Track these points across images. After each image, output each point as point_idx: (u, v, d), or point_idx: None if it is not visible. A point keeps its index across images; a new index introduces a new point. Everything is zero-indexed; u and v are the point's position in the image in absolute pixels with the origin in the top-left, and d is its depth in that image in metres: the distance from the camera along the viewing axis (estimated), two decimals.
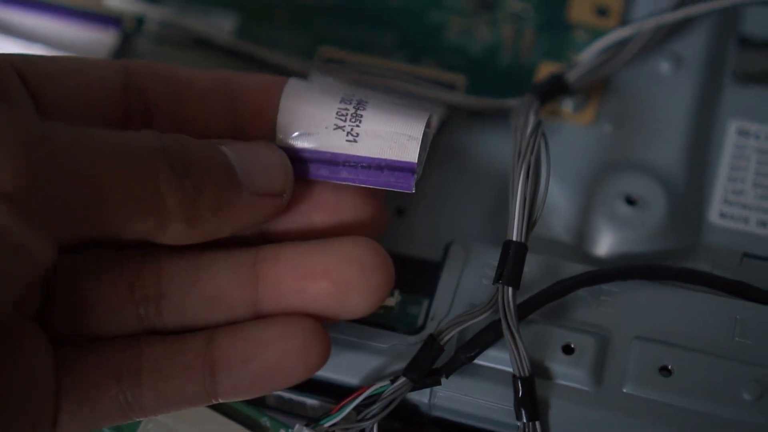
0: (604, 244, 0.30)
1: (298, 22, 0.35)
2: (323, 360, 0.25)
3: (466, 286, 0.28)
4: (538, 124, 0.28)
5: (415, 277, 0.29)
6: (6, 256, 0.20)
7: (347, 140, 0.26)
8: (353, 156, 0.26)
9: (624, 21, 0.33)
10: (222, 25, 0.34)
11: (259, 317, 0.25)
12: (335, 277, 0.25)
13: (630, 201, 0.30)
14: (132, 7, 0.34)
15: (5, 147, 0.20)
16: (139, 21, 0.34)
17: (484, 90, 0.33)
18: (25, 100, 0.24)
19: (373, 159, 0.26)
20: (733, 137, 0.31)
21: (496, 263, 0.27)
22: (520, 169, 0.27)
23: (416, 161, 0.26)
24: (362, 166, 0.26)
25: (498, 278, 0.26)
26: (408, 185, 0.26)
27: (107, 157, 0.22)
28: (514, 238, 0.27)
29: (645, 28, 0.31)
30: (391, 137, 0.26)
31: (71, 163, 0.21)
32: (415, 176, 0.26)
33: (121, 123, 0.26)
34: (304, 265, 0.25)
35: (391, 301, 0.29)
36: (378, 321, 0.28)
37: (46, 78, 0.25)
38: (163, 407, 0.24)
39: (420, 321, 0.28)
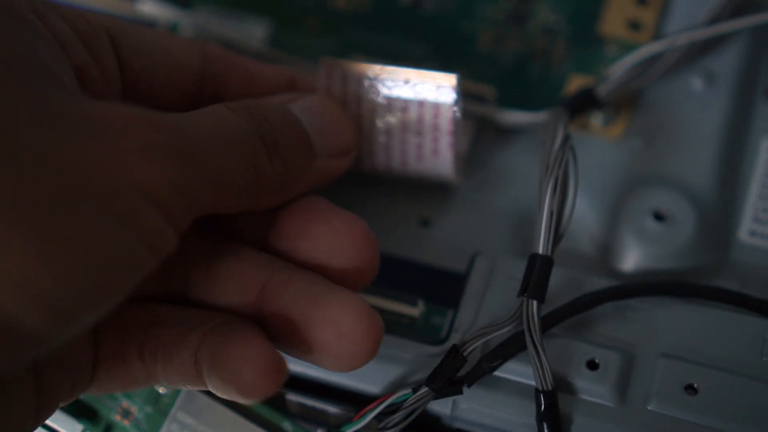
0: (631, 259, 0.29)
1: (330, 29, 0.35)
2: (277, 386, 0.24)
3: (490, 298, 0.28)
4: (566, 138, 0.28)
5: (439, 287, 0.29)
6: (146, 252, 0.21)
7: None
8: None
9: (657, 35, 0.33)
10: (254, 32, 0.34)
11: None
12: (310, 336, 0.24)
13: (659, 217, 0.29)
14: (165, 14, 0.34)
15: (164, 149, 0.21)
16: (173, 27, 0.34)
17: (514, 101, 0.32)
18: (113, 70, 0.25)
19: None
20: (764, 155, 0.31)
21: (521, 276, 0.27)
22: (548, 183, 0.27)
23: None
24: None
25: (523, 291, 0.26)
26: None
27: (224, 146, 0.23)
28: (541, 252, 0.26)
29: (678, 43, 0.31)
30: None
31: (204, 159, 0.22)
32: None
33: (191, 104, 0.27)
34: (293, 313, 0.24)
35: (415, 312, 0.29)
36: (402, 331, 0.28)
37: (135, 50, 0.26)
38: (175, 385, 0.25)
39: (444, 332, 0.28)
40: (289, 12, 0.35)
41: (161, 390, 0.28)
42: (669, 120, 0.31)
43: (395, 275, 0.30)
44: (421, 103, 0.28)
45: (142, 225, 0.21)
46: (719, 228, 0.30)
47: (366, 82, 0.28)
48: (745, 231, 0.30)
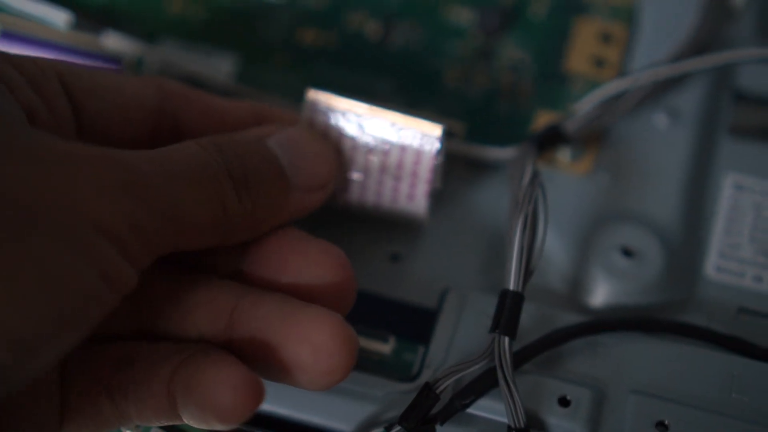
0: (600, 294, 0.29)
1: (298, 65, 0.35)
2: (256, 407, 0.23)
3: (462, 334, 0.28)
4: (535, 175, 0.28)
5: (410, 323, 0.29)
6: (104, 286, 0.21)
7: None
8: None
9: (621, 72, 0.34)
10: (221, 66, 0.34)
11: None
12: (285, 356, 0.24)
13: (627, 253, 0.30)
14: (130, 48, 0.34)
15: (120, 188, 0.21)
16: (138, 61, 0.34)
17: (482, 137, 0.33)
18: (65, 112, 0.25)
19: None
20: (729, 191, 0.31)
21: (492, 311, 0.27)
22: (518, 219, 0.27)
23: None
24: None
25: (495, 327, 0.26)
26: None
27: (185, 182, 0.23)
28: (512, 288, 0.26)
29: (641, 81, 0.31)
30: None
31: (163, 198, 0.22)
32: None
33: (149, 142, 0.27)
34: (266, 335, 0.24)
35: (386, 348, 0.29)
36: (373, 367, 0.28)
37: (88, 92, 0.26)
38: (147, 422, 0.25)
39: (415, 368, 0.28)
40: (256, 47, 0.35)
41: None
42: (635, 156, 0.32)
43: (365, 311, 0.29)
44: (403, 149, 0.28)
45: (97, 258, 0.20)
46: (686, 263, 0.30)
47: (350, 120, 0.28)
48: (711, 266, 0.30)
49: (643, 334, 0.28)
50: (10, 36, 0.33)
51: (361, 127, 0.28)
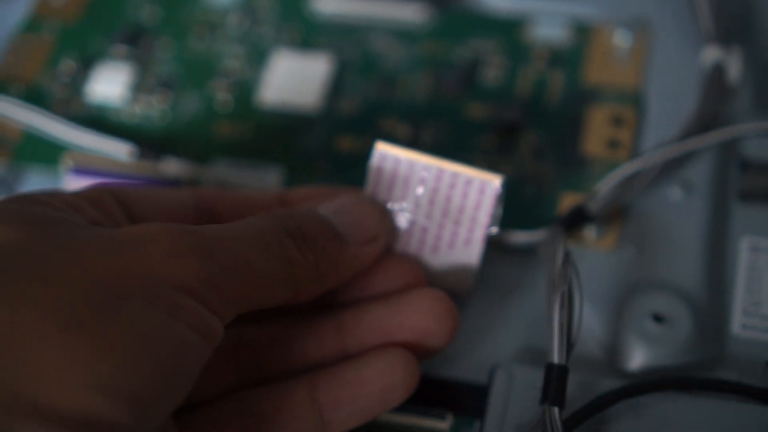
0: (636, 359, 0.32)
1: (337, 172, 0.38)
2: (417, 382, 0.29)
3: (513, 409, 0.30)
4: (567, 255, 0.31)
5: (464, 399, 0.32)
6: (197, 338, 0.24)
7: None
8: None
9: (634, 152, 0.37)
10: (269, 179, 0.38)
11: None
12: (415, 329, 0.29)
13: (658, 319, 0.32)
14: (187, 171, 0.37)
15: (189, 250, 0.25)
16: (196, 182, 0.37)
17: (511, 220, 0.35)
18: (123, 220, 0.29)
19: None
20: (746, 253, 0.34)
21: (537, 383, 0.29)
22: (556, 298, 0.30)
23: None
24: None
25: (544, 399, 0.29)
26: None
27: (249, 241, 0.27)
28: (556, 361, 0.29)
29: (654, 160, 0.34)
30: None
31: (230, 255, 0.26)
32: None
33: None
34: (385, 326, 0.29)
35: (445, 425, 0.31)
36: None
37: (136, 201, 0.30)
38: None
39: None
40: (298, 158, 0.38)
41: None
42: (656, 228, 0.35)
43: (417, 390, 0.32)
44: (465, 195, 0.31)
45: (183, 312, 0.24)
46: (714, 323, 0.32)
47: (416, 169, 0.31)
48: (737, 325, 0.32)
49: (681, 393, 0.30)
50: (81, 171, 0.37)
51: (426, 175, 0.31)
